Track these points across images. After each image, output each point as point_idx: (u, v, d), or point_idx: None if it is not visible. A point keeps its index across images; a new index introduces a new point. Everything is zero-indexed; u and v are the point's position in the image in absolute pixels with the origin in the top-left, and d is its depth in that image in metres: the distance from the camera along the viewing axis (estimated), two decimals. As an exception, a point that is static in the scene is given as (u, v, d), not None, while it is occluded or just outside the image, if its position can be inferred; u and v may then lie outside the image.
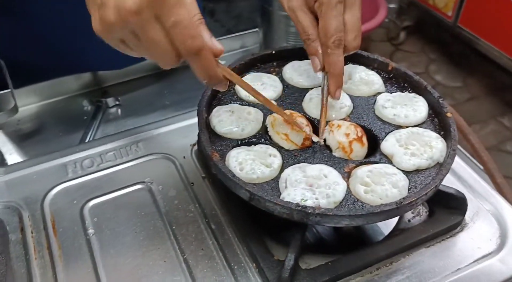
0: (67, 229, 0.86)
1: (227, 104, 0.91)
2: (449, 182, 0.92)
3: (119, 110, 1.24)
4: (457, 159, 1.00)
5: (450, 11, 3.01)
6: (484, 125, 2.85)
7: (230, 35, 1.42)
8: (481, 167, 1.16)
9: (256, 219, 0.84)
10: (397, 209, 0.72)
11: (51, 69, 1.23)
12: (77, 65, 1.25)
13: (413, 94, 0.93)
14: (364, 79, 0.95)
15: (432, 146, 0.80)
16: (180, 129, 1.04)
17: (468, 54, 3.19)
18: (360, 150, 0.83)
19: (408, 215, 0.89)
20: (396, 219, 0.88)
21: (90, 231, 0.86)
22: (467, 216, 0.88)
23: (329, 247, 0.87)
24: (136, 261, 0.82)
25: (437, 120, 0.90)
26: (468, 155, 1.16)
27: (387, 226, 0.88)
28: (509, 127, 2.85)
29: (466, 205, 0.86)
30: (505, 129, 2.84)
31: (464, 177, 0.96)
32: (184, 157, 0.98)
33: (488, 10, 2.81)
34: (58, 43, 1.17)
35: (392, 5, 3.41)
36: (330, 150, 0.84)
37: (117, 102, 1.25)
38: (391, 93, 0.94)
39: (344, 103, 0.91)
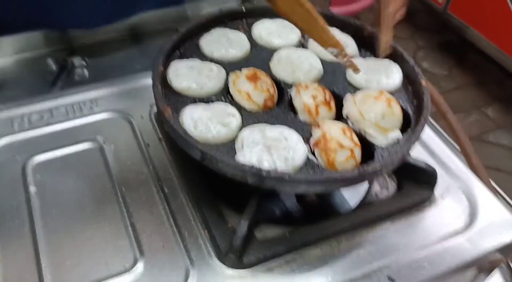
0: (6, 185, 0.79)
1: (188, 58, 0.85)
2: (421, 156, 0.87)
3: (86, 72, 1.16)
4: (432, 134, 0.95)
5: (441, -3, 2.95)
6: (467, 115, 2.82)
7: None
8: (458, 148, 1.12)
9: (213, 185, 0.78)
10: (359, 175, 0.66)
11: (15, 23, 1.14)
12: (45, 21, 1.17)
13: (387, 61, 0.87)
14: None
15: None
16: (141, 89, 0.97)
17: (456, 43, 3.16)
18: (327, 114, 0.78)
19: (376, 188, 0.84)
20: (363, 191, 0.82)
21: (32, 188, 0.79)
22: (437, 192, 0.83)
23: (293, 218, 0.81)
24: (78, 223, 0.75)
25: (411, 88, 0.84)
26: (445, 135, 1.11)
27: (355, 201, 0.83)
28: (492, 118, 2.83)
29: (436, 180, 0.81)
30: (489, 120, 2.82)
31: (437, 152, 0.91)
32: (142, 117, 0.91)
33: (479, -2, 2.76)
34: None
35: (383, -11, 3.35)
36: (295, 113, 0.79)
37: (84, 63, 1.17)
38: (364, 58, 0.88)
39: (314, 65, 0.85)
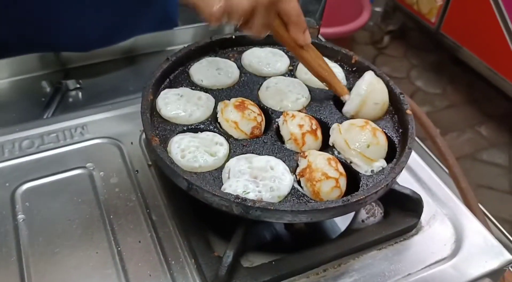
0: (-6, 213, 0.79)
1: (177, 87, 0.86)
2: (407, 183, 0.88)
3: (80, 94, 1.17)
4: (418, 160, 0.96)
5: (434, 17, 2.99)
6: (461, 134, 2.84)
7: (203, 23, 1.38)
8: (447, 171, 1.12)
9: (201, 213, 0.78)
10: (344, 206, 0.67)
11: (11, 46, 1.16)
12: (40, 44, 1.18)
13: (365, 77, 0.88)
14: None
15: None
16: (132, 114, 0.98)
17: (449, 62, 3.19)
18: (313, 143, 0.79)
19: (362, 215, 0.84)
20: (350, 218, 0.83)
21: (20, 216, 0.79)
22: (423, 219, 0.84)
23: (281, 245, 0.82)
24: (65, 251, 0.75)
25: (396, 117, 0.86)
26: (434, 157, 1.12)
27: (345, 224, 0.83)
28: (485, 136, 2.85)
29: (422, 207, 0.82)
30: (482, 138, 2.84)
31: (423, 178, 0.92)
32: (132, 143, 0.92)
33: (470, 18, 2.80)
34: (22, 19, 1.10)
35: (377, 9, 3.39)
36: (282, 141, 0.80)
37: (78, 86, 1.18)
38: (351, 86, 0.89)
39: (301, 94, 0.87)
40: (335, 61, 0.94)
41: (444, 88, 3.11)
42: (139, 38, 1.21)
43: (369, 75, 0.85)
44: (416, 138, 1.08)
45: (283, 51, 0.97)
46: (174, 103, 0.81)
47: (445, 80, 3.15)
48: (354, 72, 0.94)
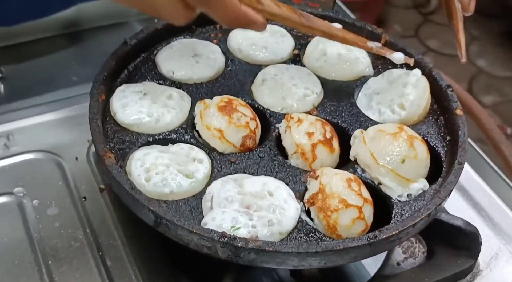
0: None
1: (139, 82, 0.89)
2: (459, 210, 0.91)
3: (2, 88, 1.20)
4: (475, 176, 1.00)
5: (502, -31, 3.03)
6: (541, 134, 2.88)
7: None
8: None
9: (175, 257, 0.82)
10: (370, 245, 0.70)
11: None
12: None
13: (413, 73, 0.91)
14: (344, 56, 0.94)
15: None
16: (75, 118, 1.02)
17: (525, 32, 3.22)
18: (327, 157, 0.82)
19: (398, 255, 0.87)
20: (382, 259, 0.86)
21: None
22: (482, 260, 0.87)
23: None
24: (-14, 310, 0.78)
25: (442, 119, 0.89)
26: (498, 171, 1.14)
27: (375, 268, 0.86)
28: None
29: (480, 244, 0.85)
30: None
31: (481, 203, 0.96)
32: (76, 159, 0.95)
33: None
34: None
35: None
36: (285, 156, 0.83)
37: (0, 75, 1.21)
38: (382, 74, 0.93)
39: (311, 88, 0.90)
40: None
41: (517, 69, 3.14)
42: (83, 8, 1.23)
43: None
44: (472, 143, 1.12)
45: (285, 28, 1.00)
46: (135, 105, 0.83)
47: (519, 58, 3.19)
48: (384, 57, 0.97)
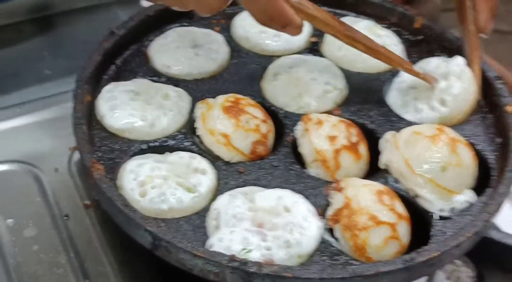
0: None
1: (130, 79, 0.92)
2: (512, 225, 0.94)
3: (-40, 84, 1.23)
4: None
5: None
6: None
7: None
8: None
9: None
10: (406, 270, 0.72)
11: None
12: None
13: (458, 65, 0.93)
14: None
15: None
16: (53, 121, 1.05)
17: None
18: (353, 165, 0.85)
19: (441, 280, 0.90)
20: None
21: None
22: (542, 286, 0.90)
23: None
24: None
25: (491, 117, 0.91)
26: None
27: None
28: None
29: (539, 267, 0.87)
30: None
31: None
32: (56, 170, 0.99)
33: None
34: None
35: None
36: (303, 164, 0.85)
37: (-40, 69, 1.23)
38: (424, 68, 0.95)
39: (332, 83, 0.92)
40: (388, 26, 1.01)
41: None
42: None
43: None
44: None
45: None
46: (125, 107, 0.86)
47: None
48: (419, 44, 1.00)
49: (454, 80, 0.91)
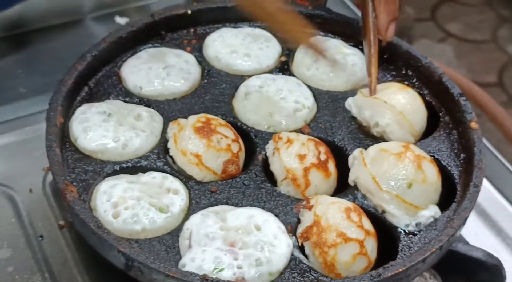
0: None
1: (102, 100, 0.93)
2: (479, 239, 0.96)
3: None
4: (498, 197, 1.04)
5: None
6: None
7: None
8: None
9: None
10: (373, 285, 0.75)
11: None
12: None
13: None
14: (340, 61, 0.99)
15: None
16: (27, 142, 1.06)
17: None
18: (322, 183, 0.87)
19: (409, 293, 0.92)
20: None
21: None
22: (507, 297, 0.91)
23: None
24: None
25: (456, 133, 0.94)
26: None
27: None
28: None
29: (504, 278, 0.89)
30: None
31: (506, 229, 1.00)
32: (30, 191, 0.99)
33: None
34: None
35: None
36: (274, 182, 0.87)
37: None
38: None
39: (301, 102, 0.94)
40: (354, 45, 1.03)
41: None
42: (28, 4, 1.26)
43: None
44: (496, 153, 1.14)
45: (269, 31, 1.05)
46: (98, 128, 0.87)
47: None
48: (386, 62, 1.02)
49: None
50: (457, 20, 3.26)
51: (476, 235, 0.96)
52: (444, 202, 0.87)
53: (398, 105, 0.92)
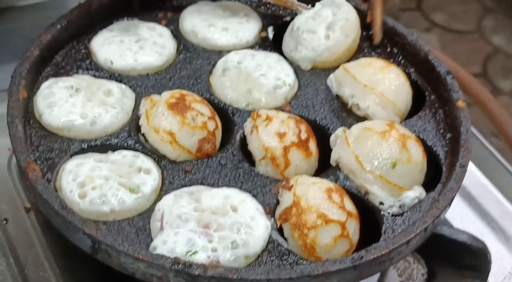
0: None
1: (70, 75, 0.90)
2: (464, 222, 0.94)
3: None
4: (483, 180, 1.02)
5: None
6: None
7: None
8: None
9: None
10: (355, 268, 0.72)
11: None
12: None
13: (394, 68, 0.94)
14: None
15: None
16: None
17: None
18: (303, 163, 0.84)
19: (393, 279, 0.90)
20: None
21: None
22: (492, 281, 0.89)
23: None
24: None
25: (442, 113, 0.92)
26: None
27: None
28: None
29: (489, 263, 0.87)
30: None
31: (491, 213, 0.98)
32: (-7, 171, 0.96)
33: None
34: None
35: None
36: (252, 162, 0.84)
37: None
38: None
39: (283, 78, 0.92)
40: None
41: (540, 47, 3.18)
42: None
43: None
44: (481, 138, 1.13)
45: (251, 5, 1.02)
46: (64, 104, 0.84)
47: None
48: (371, 38, 0.99)
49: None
50: (442, 10, 3.27)
51: (461, 218, 0.94)
52: (429, 182, 0.84)
53: (378, 86, 0.90)
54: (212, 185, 0.81)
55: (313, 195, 0.77)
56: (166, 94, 0.86)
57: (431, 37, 3.07)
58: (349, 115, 0.91)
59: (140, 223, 0.77)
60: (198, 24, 0.98)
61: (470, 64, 2.97)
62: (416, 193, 0.82)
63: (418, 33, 3.03)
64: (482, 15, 3.30)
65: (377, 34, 0.94)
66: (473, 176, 1.00)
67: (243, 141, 0.86)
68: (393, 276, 0.90)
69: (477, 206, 1.00)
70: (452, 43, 3.07)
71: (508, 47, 3.17)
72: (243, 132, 0.87)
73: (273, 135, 0.83)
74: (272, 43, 1.00)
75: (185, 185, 0.81)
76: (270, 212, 0.79)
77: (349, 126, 0.87)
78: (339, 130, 0.86)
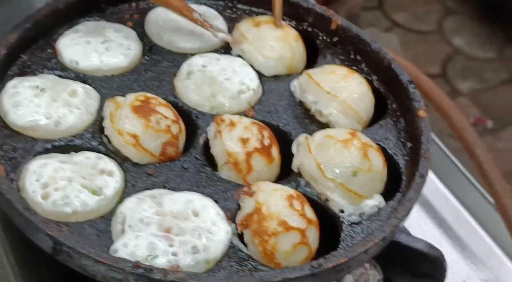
0: None
1: (36, 74, 0.90)
2: (422, 231, 0.96)
3: None
4: (441, 188, 1.04)
5: None
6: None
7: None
8: (492, 202, 1.20)
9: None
10: (313, 276, 0.73)
11: None
12: None
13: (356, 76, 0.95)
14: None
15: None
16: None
17: (510, 4, 3.30)
18: (265, 169, 0.85)
19: (350, 284, 0.91)
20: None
21: None
22: (447, 290, 0.91)
23: None
24: None
25: (403, 121, 0.93)
26: (472, 180, 1.18)
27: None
28: None
29: (445, 271, 0.89)
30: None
31: (449, 221, 1.01)
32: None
33: None
34: None
35: None
36: (215, 167, 0.85)
37: None
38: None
39: (246, 83, 0.92)
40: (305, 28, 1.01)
41: (500, 49, 3.20)
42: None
43: None
44: (440, 143, 1.14)
45: (217, 9, 1.03)
46: (29, 103, 0.84)
47: (503, 36, 3.25)
48: (335, 46, 1.01)
49: None
50: (404, 10, 3.29)
51: (419, 226, 0.96)
52: (389, 191, 0.86)
53: (341, 94, 0.91)
54: (175, 189, 0.81)
55: (275, 202, 0.78)
56: (131, 97, 0.86)
57: (392, 37, 3.09)
58: (311, 121, 0.92)
59: (102, 226, 0.77)
60: (164, 26, 0.98)
61: (430, 65, 3.01)
62: (375, 201, 0.83)
63: (379, 32, 3.09)
64: (443, 16, 3.32)
65: (278, 18, 0.95)
66: (431, 183, 1.01)
67: (206, 145, 0.87)
68: (349, 281, 0.91)
69: (435, 214, 1.02)
70: (413, 44, 3.10)
71: (468, 48, 3.20)
72: (207, 137, 0.87)
73: (236, 140, 0.84)
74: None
75: (147, 188, 0.81)
76: (231, 217, 0.79)
77: (311, 133, 0.88)
78: (302, 137, 0.87)
